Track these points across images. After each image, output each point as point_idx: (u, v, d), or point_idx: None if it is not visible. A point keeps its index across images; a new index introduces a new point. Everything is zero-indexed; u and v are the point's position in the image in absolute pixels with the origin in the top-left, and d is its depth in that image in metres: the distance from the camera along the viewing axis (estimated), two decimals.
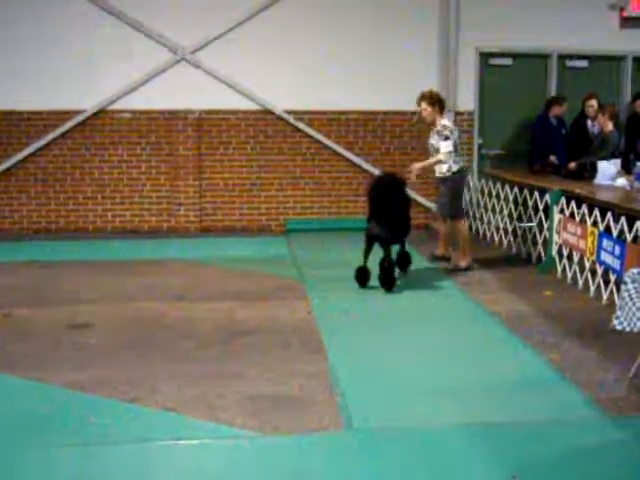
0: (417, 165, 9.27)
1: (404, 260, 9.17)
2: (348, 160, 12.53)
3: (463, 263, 9.38)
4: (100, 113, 12.02)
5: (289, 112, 12.28)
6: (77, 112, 11.94)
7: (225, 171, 12.35)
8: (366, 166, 12.51)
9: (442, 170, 9.22)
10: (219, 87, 12.17)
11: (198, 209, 12.37)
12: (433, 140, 9.26)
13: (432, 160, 9.20)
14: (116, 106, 12.06)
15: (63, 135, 12.00)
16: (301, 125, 12.33)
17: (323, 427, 4.74)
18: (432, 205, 12.66)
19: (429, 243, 10.87)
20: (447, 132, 9.07)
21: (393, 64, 12.36)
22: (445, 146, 9.01)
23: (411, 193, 12.18)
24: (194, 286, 8.66)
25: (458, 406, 5.10)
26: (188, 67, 12.07)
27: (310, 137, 12.40)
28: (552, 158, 11.46)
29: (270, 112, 12.27)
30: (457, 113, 12.58)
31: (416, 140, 12.57)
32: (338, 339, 6.58)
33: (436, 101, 9.20)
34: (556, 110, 11.77)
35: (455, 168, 9.18)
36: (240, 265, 9.70)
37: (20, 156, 11.93)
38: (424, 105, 9.20)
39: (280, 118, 12.31)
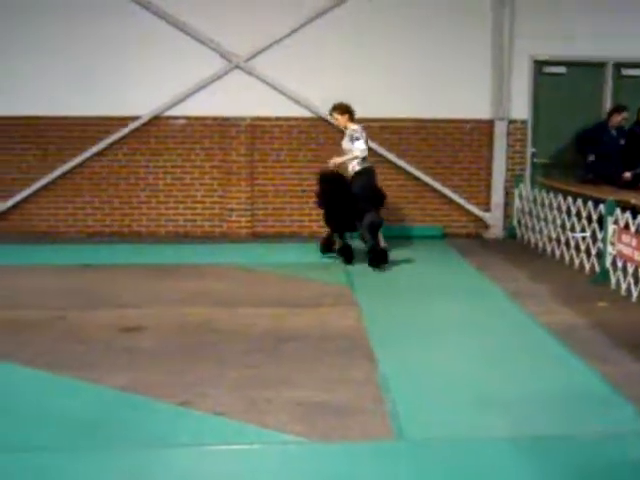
0: (337, 160, 10.37)
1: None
2: (399, 168, 12.52)
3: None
4: (155, 119, 12.19)
5: None
6: (133, 118, 12.13)
7: (276, 177, 12.42)
8: (418, 174, 12.49)
9: (349, 170, 10.38)
10: (272, 94, 12.26)
11: (249, 215, 12.46)
12: (345, 143, 10.46)
13: (350, 156, 10.27)
14: (171, 112, 12.22)
15: (119, 141, 12.19)
16: None
17: (372, 435, 4.74)
18: (483, 214, 12.59)
19: (479, 253, 10.81)
20: (357, 134, 10.29)
21: (446, 72, 12.33)
22: (358, 145, 10.23)
23: (461, 202, 12.18)
24: (244, 291, 8.73)
25: (507, 417, 5.06)
26: (242, 74, 12.18)
27: None
28: (627, 175, 11.22)
29: (322, 119, 12.32)
30: (510, 121, 12.50)
31: (467, 148, 12.53)
32: (388, 347, 6.57)
33: (345, 111, 10.53)
34: (616, 119, 11.60)
35: (358, 168, 10.30)
36: (290, 271, 9.75)
37: (77, 161, 12.16)
38: (336, 115, 10.63)
39: (332, 125, 12.34)
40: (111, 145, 12.20)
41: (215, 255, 11.00)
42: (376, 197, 10.33)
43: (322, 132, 12.42)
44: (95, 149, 12.15)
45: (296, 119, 12.37)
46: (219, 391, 5.47)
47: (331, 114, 10.76)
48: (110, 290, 8.77)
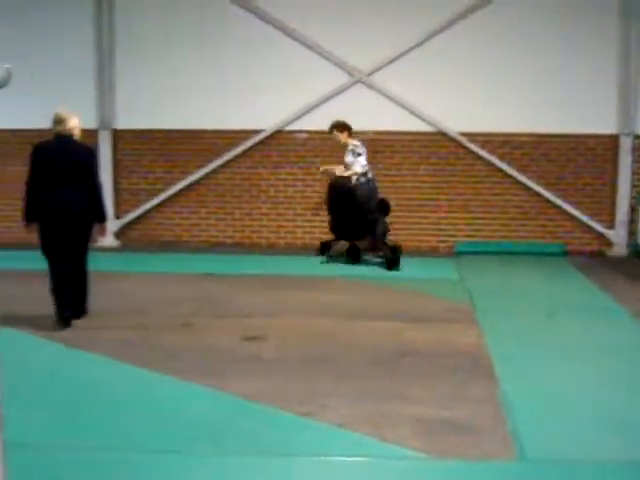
0: (337, 172, 11.11)
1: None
2: (520, 183, 12.35)
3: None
4: (278, 133, 12.43)
5: (462, 134, 12.26)
6: (256, 132, 12.41)
7: (397, 191, 12.45)
8: (539, 190, 12.29)
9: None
10: (393, 108, 12.32)
11: None
12: (347, 158, 10.98)
13: (351, 171, 10.88)
14: (293, 126, 12.44)
15: (242, 153, 12.49)
16: (474, 147, 12.27)
17: (492, 455, 4.70)
18: (606, 231, 12.28)
19: (602, 271, 10.55)
20: (359, 150, 10.89)
21: (569, 86, 12.10)
22: (360, 160, 10.83)
23: (583, 218, 11.88)
24: (363, 304, 8.79)
25: (632, 441, 4.93)
26: (364, 88, 12.30)
27: (483, 159, 12.33)
28: None
29: (443, 133, 12.29)
30: (636, 136, 12.14)
31: (590, 163, 12.26)
32: (509, 365, 6.49)
33: (345, 128, 11.08)
34: None
35: (361, 180, 10.93)
36: (408, 285, 9.75)
37: (202, 173, 12.53)
38: (336, 132, 11.13)
39: (453, 140, 12.31)
40: (235, 158, 12.52)
41: (333, 268, 11.10)
42: (383, 207, 10.97)
43: (443, 146, 12.39)
44: (220, 161, 12.49)
45: (417, 133, 12.39)
46: (340, 403, 5.53)
47: (331, 132, 11.17)
48: (234, 299, 8.99)
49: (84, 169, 7.64)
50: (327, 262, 11.29)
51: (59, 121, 7.58)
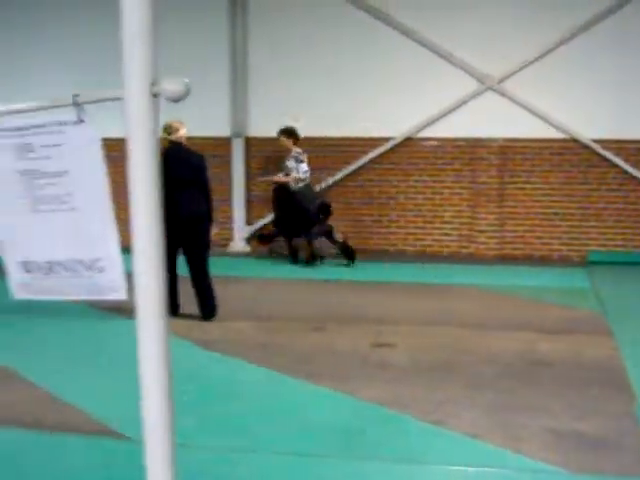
0: (281, 179, 11.80)
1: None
2: None
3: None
4: (408, 140, 12.48)
5: (595, 141, 11.98)
6: (386, 140, 12.49)
7: (527, 199, 12.29)
8: None
9: (294, 187, 11.65)
10: (523, 115, 12.14)
11: (498, 236, 12.41)
12: (289, 163, 11.64)
13: (291, 176, 11.57)
14: (423, 134, 12.46)
15: (372, 161, 12.60)
16: (608, 154, 11.97)
17: (630, 472, 4.62)
18: None
19: None
20: (301, 157, 11.66)
21: None
22: (302, 167, 11.61)
23: None
24: (492, 314, 8.73)
25: None
26: (494, 95, 12.18)
27: (617, 167, 12.00)
28: None
29: (575, 140, 12.04)
30: None
31: None
32: None
33: (291, 134, 11.77)
34: None
35: (300, 185, 11.65)
36: (539, 295, 9.62)
37: (331, 181, 12.70)
38: (283, 138, 11.83)
39: (586, 147, 12.04)
40: (365, 165, 12.64)
41: (463, 276, 11.05)
42: (324, 209, 11.75)
43: (575, 153, 12.13)
44: (350, 169, 12.63)
45: (548, 140, 12.17)
46: (472, 413, 5.54)
47: (279, 137, 11.90)
48: (363, 306, 9.09)
49: (200, 174, 8.23)
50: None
51: (173, 130, 8.07)
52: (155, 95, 1.65)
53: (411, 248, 12.71)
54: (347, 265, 11.56)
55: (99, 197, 1.99)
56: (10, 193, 2.04)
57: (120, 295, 2.14)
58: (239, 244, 12.93)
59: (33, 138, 1.91)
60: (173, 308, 8.10)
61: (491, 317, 8.55)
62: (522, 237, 12.36)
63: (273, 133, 12.19)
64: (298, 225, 11.68)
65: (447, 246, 12.60)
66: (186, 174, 7.94)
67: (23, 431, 5.29)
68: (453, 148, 12.40)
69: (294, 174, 11.59)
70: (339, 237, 11.92)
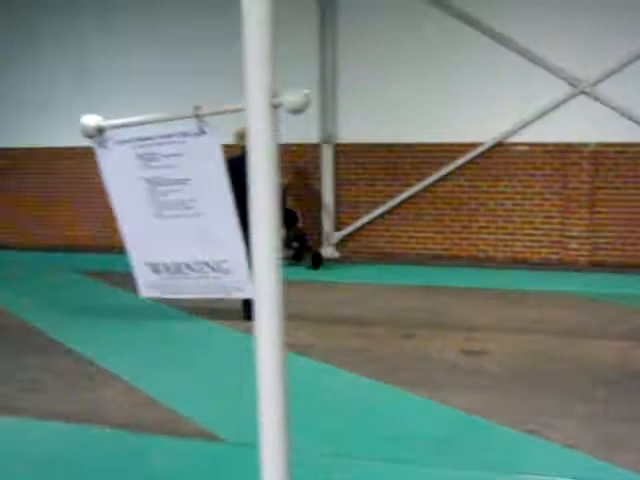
0: None
1: None
2: None
3: None
4: (497, 146, 12.35)
5: None
6: (475, 145, 12.38)
7: (620, 205, 12.00)
8: None
9: None
10: (616, 119, 11.85)
11: (590, 243, 12.16)
12: None
13: None
14: (513, 139, 12.31)
15: (462, 166, 12.51)
16: None
17: None
18: None
19: None
20: None
21: None
22: None
23: None
24: (587, 322, 8.57)
25: None
26: (586, 99, 11.94)
27: None
28: None
29: None
30: None
31: None
32: None
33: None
34: None
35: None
36: (635, 303, 9.39)
37: (421, 185, 12.66)
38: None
39: None
40: (455, 171, 12.56)
41: (554, 283, 10.87)
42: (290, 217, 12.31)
43: None
44: (439, 174, 12.57)
45: None
46: (567, 423, 5.46)
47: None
48: (453, 312, 9.05)
49: None
50: None
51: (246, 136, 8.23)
52: (276, 106, 1.70)
53: (500, 254, 12.56)
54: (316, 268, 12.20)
55: (223, 203, 2.06)
56: (137, 199, 2.13)
57: (246, 294, 2.21)
58: (328, 250, 13.00)
59: (157, 148, 1.99)
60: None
61: (585, 325, 8.40)
62: (615, 243, 12.07)
63: (363, 139, 12.22)
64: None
65: (537, 252, 12.40)
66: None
67: (120, 432, 5.44)
68: (544, 153, 12.20)
69: None
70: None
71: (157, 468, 4.83)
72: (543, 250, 12.39)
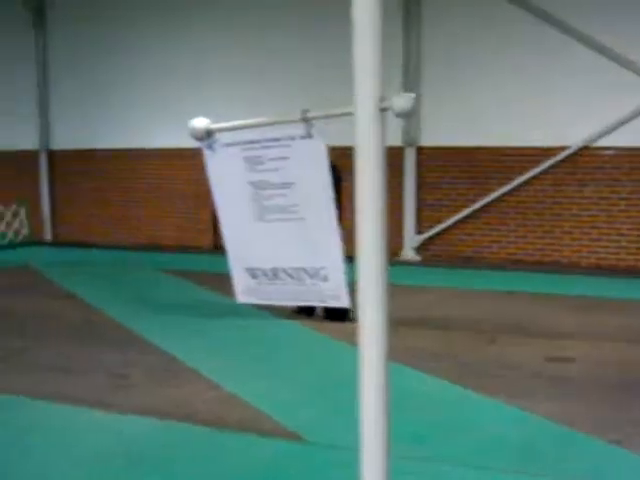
0: None
1: None
2: None
3: None
4: (583, 150, 12.13)
5: None
6: (561, 149, 12.19)
7: None
8: None
9: None
10: None
11: None
12: None
13: None
14: (599, 143, 12.07)
15: (546, 171, 12.33)
16: None
17: None
18: None
19: None
20: None
21: None
22: None
23: None
24: None
25: None
26: None
27: None
28: None
29: None
30: None
31: None
32: None
33: None
34: None
35: None
36: None
37: (504, 189, 12.52)
38: None
39: None
40: (539, 175, 12.39)
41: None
42: None
43: None
44: (523, 178, 12.42)
45: None
46: None
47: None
48: (537, 318, 8.92)
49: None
50: None
51: None
52: (383, 110, 1.72)
53: (584, 261, 12.34)
54: None
55: (325, 208, 2.09)
56: (240, 202, 2.17)
57: (342, 303, 2.22)
58: (409, 253, 12.98)
59: (263, 151, 2.03)
60: (310, 309, 8.58)
61: None
62: None
63: (446, 142, 12.17)
64: None
65: (623, 259, 12.13)
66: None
67: (206, 429, 5.54)
68: (631, 157, 11.94)
69: None
70: None
71: (241, 466, 4.90)
72: (629, 257, 12.12)
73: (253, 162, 2.04)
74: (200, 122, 2.12)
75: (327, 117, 1.93)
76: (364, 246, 1.73)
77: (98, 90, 15.50)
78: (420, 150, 12.98)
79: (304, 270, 2.19)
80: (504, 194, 12.57)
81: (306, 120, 1.94)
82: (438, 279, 11.50)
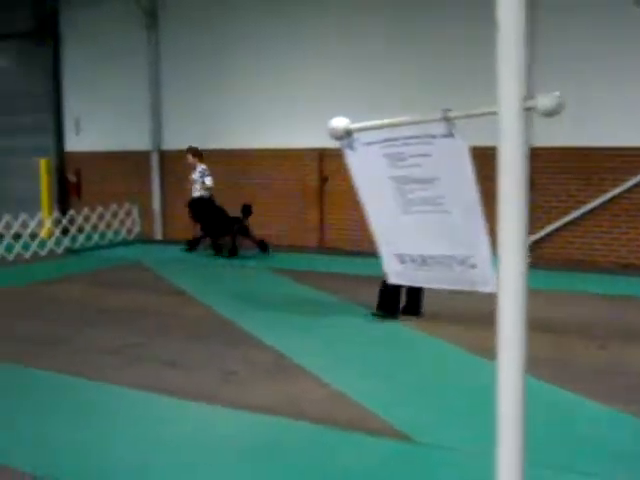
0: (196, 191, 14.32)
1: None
2: None
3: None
4: None
5: None
6: None
7: None
8: None
9: (194, 195, 14.34)
10: None
11: None
12: (194, 175, 14.35)
13: (204, 186, 14.29)
14: None
15: None
16: None
17: None
18: None
19: None
20: (207, 172, 14.28)
21: None
22: (208, 180, 14.23)
23: None
24: None
25: None
26: None
27: None
28: None
29: None
30: None
31: None
32: None
33: (196, 153, 14.53)
34: None
35: (207, 194, 14.32)
36: None
37: (617, 191, 12.19)
38: (189, 156, 14.54)
39: None
40: None
41: None
42: (245, 210, 13.98)
43: None
44: (637, 180, 12.05)
45: None
46: None
47: (186, 155, 14.56)
48: None
49: None
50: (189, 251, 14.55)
51: None
52: (528, 109, 1.72)
53: None
54: (263, 255, 13.96)
55: (470, 202, 2.11)
56: (384, 196, 2.22)
57: (491, 288, 2.25)
58: None
59: (404, 148, 2.06)
60: (395, 308, 8.67)
61: None
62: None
63: (556, 143, 11.97)
64: (223, 226, 13.95)
65: None
66: None
67: (316, 427, 5.60)
68: None
69: (208, 183, 14.16)
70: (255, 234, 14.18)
71: (350, 465, 4.93)
72: None
73: (394, 158, 2.08)
74: (339, 122, 2.16)
75: (469, 117, 1.94)
76: (506, 247, 1.73)
77: (208, 91, 15.84)
78: (534, 151, 12.72)
79: (452, 258, 2.22)
80: (616, 196, 12.22)
81: (448, 119, 1.95)
82: (548, 282, 11.26)
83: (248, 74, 15.35)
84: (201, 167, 14.37)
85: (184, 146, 14.88)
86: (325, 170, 14.52)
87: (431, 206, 2.13)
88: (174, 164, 16.37)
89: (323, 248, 14.66)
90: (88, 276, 12.53)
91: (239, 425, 5.73)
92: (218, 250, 14.15)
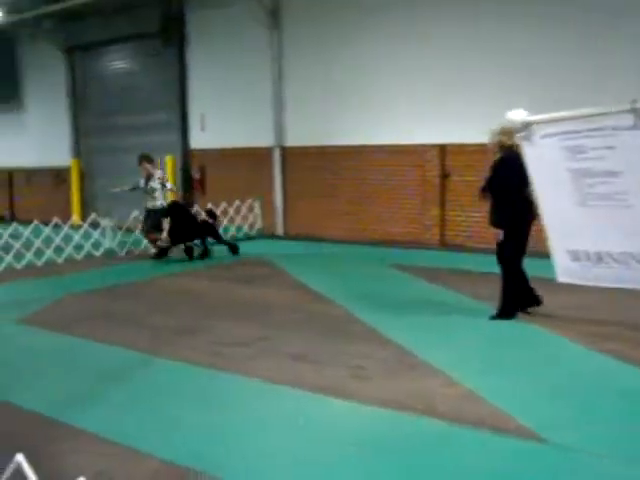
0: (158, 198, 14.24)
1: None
2: None
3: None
4: None
5: None
6: None
7: None
8: None
9: (156, 204, 14.15)
10: None
11: None
12: (153, 184, 14.12)
13: (163, 192, 14.34)
14: None
15: None
16: None
17: None
18: None
19: None
20: (165, 179, 14.56)
21: None
22: (170, 186, 14.88)
23: None
24: None
25: None
26: None
27: None
28: None
29: None
30: None
31: None
32: None
33: (151, 161, 14.35)
34: None
35: (163, 203, 14.24)
36: None
37: None
38: (145, 164, 14.25)
39: None
40: None
41: None
42: (211, 214, 14.39)
43: None
44: None
45: None
46: None
47: (140, 163, 14.29)
48: None
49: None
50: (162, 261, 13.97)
51: (511, 135, 7.22)
52: None
53: None
54: (233, 256, 14.12)
55: None
56: (561, 189, 2.19)
57: None
58: None
59: (585, 140, 2.02)
60: (532, 300, 8.18)
61: None
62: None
63: None
64: (193, 230, 13.89)
65: None
66: (525, 180, 7.34)
67: (444, 423, 5.56)
68: None
69: (169, 187, 14.64)
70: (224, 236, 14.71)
71: (477, 463, 4.88)
72: None
73: (574, 151, 2.04)
74: (517, 115, 2.14)
75: None
76: None
77: (330, 88, 15.91)
78: None
79: (630, 255, 2.17)
80: None
81: (635, 111, 1.90)
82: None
83: (368, 72, 15.33)
84: (159, 173, 14.42)
85: (306, 143, 15.01)
86: (447, 166, 14.36)
87: (612, 201, 2.08)
88: (296, 160, 16.55)
89: (444, 245, 14.51)
90: (211, 269, 12.82)
91: (366, 419, 5.75)
92: (190, 254, 13.96)
